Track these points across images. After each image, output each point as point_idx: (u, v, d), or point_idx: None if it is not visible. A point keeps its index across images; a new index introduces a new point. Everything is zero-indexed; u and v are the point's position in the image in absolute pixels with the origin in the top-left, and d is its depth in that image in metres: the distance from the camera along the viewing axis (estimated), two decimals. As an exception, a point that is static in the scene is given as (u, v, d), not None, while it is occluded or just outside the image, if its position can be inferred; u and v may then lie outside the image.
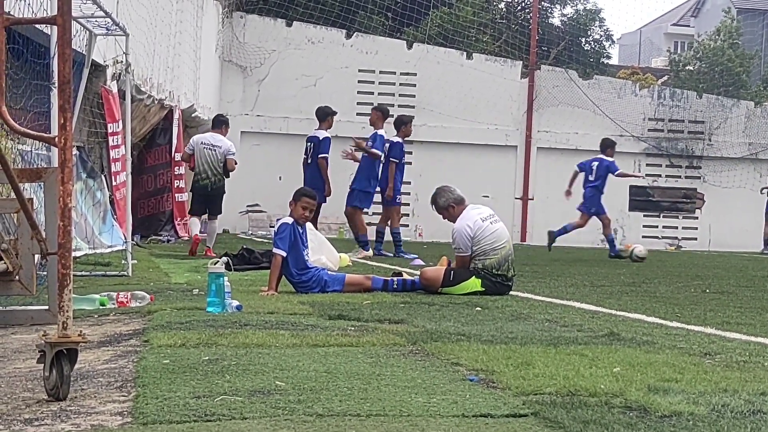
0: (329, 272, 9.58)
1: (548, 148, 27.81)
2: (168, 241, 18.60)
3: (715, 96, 31.01)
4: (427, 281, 9.20)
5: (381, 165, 16.03)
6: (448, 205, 9.56)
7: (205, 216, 15.82)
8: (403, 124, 16.53)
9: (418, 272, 10.08)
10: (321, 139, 16.21)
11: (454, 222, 9.47)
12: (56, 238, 4.09)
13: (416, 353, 5.25)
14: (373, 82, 27.01)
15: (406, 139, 16.68)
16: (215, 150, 15.23)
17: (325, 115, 16.46)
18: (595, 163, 18.51)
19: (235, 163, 15.58)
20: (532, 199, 27.74)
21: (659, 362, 4.98)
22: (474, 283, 9.16)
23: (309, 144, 16.51)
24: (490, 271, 9.21)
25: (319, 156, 16.16)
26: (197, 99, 21.88)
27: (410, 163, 26.46)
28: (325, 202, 16.21)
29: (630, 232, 28.16)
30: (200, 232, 15.84)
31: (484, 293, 9.08)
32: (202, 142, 15.37)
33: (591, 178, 18.38)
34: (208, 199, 15.48)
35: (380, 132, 16.03)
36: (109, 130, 14.19)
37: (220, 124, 15.78)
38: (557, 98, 27.62)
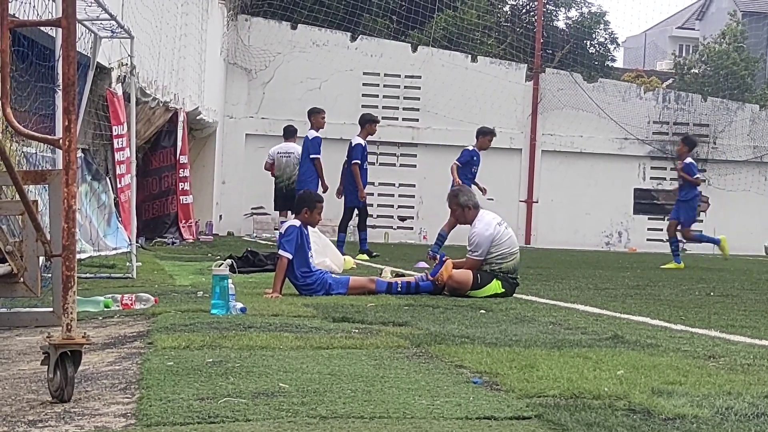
0: (333, 275, 9.59)
1: (553, 151, 27.79)
2: (173, 243, 18.61)
3: (720, 99, 30.98)
4: (458, 284, 9.24)
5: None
6: (466, 205, 9.61)
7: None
8: (483, 135, 16.65)
9: (420, 275, 10.08)
10: (353, 145, 16.43)
11: (464, 222, 9.62)
12: (61, 240, 4.10)
13: (420, 356, 5.25)
14: (377, 85, 27.01)
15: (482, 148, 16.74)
16: (289, 156, 17.99)
17: (364, 122, 16.67)
18: None
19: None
20: (537, 202, 27.73)
21: (663, 365, 4.97)
22: (496, 286, 9.30)
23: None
24: (507, 275, 9.31)
25: (352, 162, 16.37)
26: (202, 101, 21.90)
27: (414, 166, 26.54)
28: (360, 205, 16.52)
29: (634, 235, 28.14)
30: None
31: (504, 294, 9.20)
32: (278, 152, 18.24)
33: None
34: (286, 199, 17.81)
35: None
36: (114, 133, 14.20)
37: (291, 134, 18.53)
38: (562, 101, 27.60)
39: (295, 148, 18.00)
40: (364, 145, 16.44)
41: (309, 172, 16.33)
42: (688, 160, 17.40)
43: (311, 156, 16.34)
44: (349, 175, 16.43)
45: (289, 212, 17.57)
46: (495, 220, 9.51)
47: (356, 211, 16.60)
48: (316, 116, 16.65)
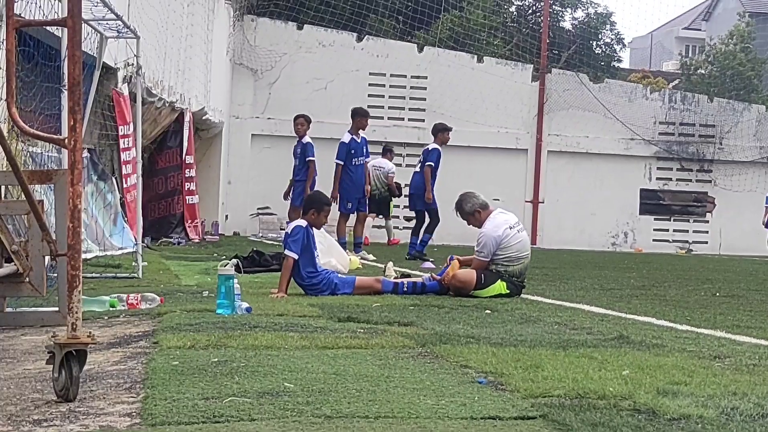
0: (339, 275, 9.58)
1: (559, 152, 27.77)
2: (178, 243, 18.63)
3: (726, 100, 30.91)
4: (462, 284, 9.22)
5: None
6: (474, 211, 9.56)
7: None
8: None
9: (426, 275, 10.07)
10: (430, 149, 16.95)
11: (479, 227, 9.50)
12: (66, 239, 4.10)
13: (425, 355, 5.25)
14: (383, 86, 27.01)
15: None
16: (380, 170, 20.92)
17: (437, 131, 17.14)
18: None
19: (396, 184, 21.26)
20: (543, 203, 27.70)
21: (668, 365, 4.97)
22: (500, 286, 9.26)
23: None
24: (512, 277, 9.29)
25: (425, 164, 16.81)
26: (208, 102, 21.91)
27: (420, 166, 26.52)
28: (429, 207, 16.97)
29: (640, 236, 28.12)
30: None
31: (509, 295, 9.18)
32: (373, 165, 20.24)
33: None
34: (378, 205, 20.97)
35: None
36: (120, 133, 14.21)
37: (386, 151, 21.88)
38: (568, 102, 27.58)
39: (387, 163, 21.24)
40: (440, 151, 16.85)
41: (345, 177, 16.24)
42: None
43: (335, 160, 16.27)
44: (421, 178, 16.87)
45: (378, 215, 21.60)
46: (507, 223, 9.43)
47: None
48: (360, 118, 16.51)
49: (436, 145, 16.82)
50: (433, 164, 16.63)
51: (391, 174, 21.12)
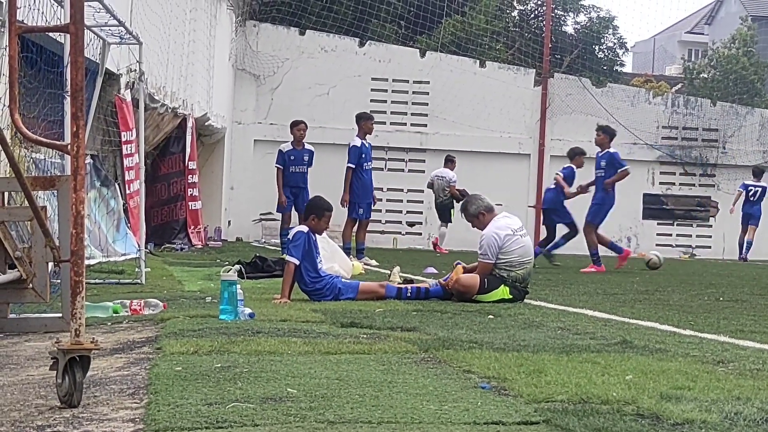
0: (343, 280, 9.58)
1: (561, 156, 27.68)
2: (181, 249, 18.63)
3: (729, 104, 30.90)
4: (465, 288, 9.21)
5: None
6: (478, 213, 9.57)
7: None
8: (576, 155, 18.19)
9: (431, 280, 10.08)
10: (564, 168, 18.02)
11: (482, 229, 9.51)
12: (69, 245, 4.10)
13: (428, 361, 5.25)
14: (386, 91, 27.03)
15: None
16: (442, 179, 22.53)
17: (573, 155, 18.20)
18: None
19: (458, 190, 21.78)
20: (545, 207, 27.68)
21: (672, 370, 4.96)
22: (503, 291, 9.25)
23: None
24: (515, 282, 9.28)
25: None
26: (210, 107, 21.92)
27: (423, 172, 26.52)
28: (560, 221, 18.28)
29: (644, 240, 28.08)
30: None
31: (512, 300, 9.18)
32: (435, 175, 22.86)
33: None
34: (441, 212, 22.67)
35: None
36: (123, 139, 14.22)
37: (448, 161, 22.93)
38: (570, 106, 27.58)
39: (448, 172, 22.54)
40: (573, 170, 17.99)
41: (356, 182, 16.20)
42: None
43: (347, 164, 16.16)
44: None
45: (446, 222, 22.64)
46: (510, 227, 9.42)
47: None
48: (365, 122, 16.51)
49: (572, 166, 17.97)
50: (565, 180, 17.83)
51: (453, 183, 22.29)
